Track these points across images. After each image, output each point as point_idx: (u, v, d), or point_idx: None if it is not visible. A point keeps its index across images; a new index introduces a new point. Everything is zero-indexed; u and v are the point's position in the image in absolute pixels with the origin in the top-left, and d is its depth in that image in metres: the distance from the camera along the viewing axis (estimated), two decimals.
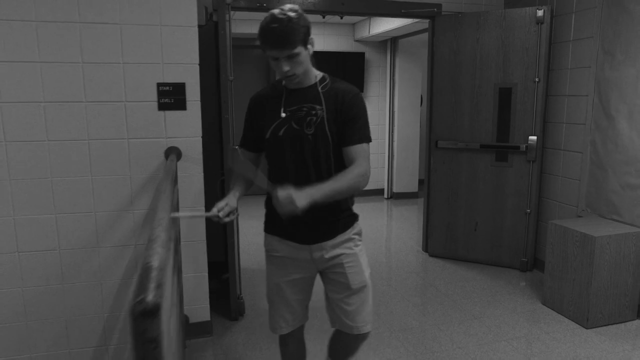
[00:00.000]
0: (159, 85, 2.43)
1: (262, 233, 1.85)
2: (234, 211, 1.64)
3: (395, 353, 2.62)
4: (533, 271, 3.86)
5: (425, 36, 5.58)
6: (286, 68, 1.57)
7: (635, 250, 2.92)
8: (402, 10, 3.82)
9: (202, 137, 2.57)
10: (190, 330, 2.76)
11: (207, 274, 2.74)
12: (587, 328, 2.89)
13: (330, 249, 1.73)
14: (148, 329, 0.60)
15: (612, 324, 2.93)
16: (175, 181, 2.40)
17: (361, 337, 1.84)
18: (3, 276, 2.37)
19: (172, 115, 2.49)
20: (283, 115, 1.67)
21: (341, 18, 5.57)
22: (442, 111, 4.02)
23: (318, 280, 1.85)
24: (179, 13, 2.40)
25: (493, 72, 3.77)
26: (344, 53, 6.38)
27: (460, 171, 4.01)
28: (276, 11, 1.53)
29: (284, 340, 1.95)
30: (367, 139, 1.67)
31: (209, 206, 1.75)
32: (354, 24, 6.45)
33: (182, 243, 2.61)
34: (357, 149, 1.63)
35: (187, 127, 2.52)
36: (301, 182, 1.57)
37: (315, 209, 1.51)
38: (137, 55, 2.38)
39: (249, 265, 3.96)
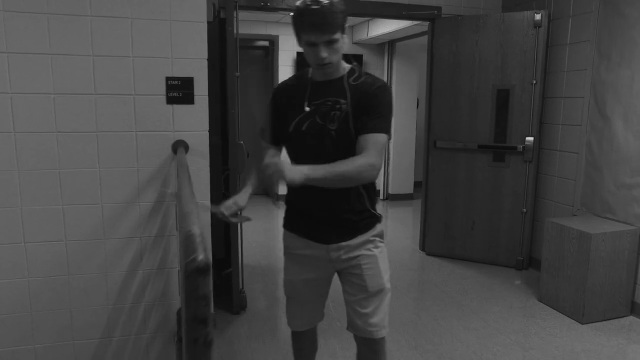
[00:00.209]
0: (167, 79, 2.46)
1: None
2: (240, 211, 1.58)
3: (396, 345, 2.67)
4: (529, 269, 3.93)
5: (422, 40, 5.66)
6: (324, 54, 1.47)
7: (629, 248, 2.99)
8: (404, 12, 3.89)
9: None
10: None
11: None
12: (582, 323, 2.96)
13: (349, 250, 1.67)
14: (200, 285, 0.64)
15: (606, 320, 3.01)
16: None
17: (375, 343, 1.74)
18: (9, 266, 2.39)
19: (180, 109, 2.52)
20: (307, 109, 1.59)
21: None
22: (440, 112, 4.09)
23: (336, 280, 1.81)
24: (189, 8, 2.44)
25: (491, 74, 3.85)
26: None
27: (458, 171, 4.08)
28: None
29: (296, 337, 1.93)
30: (384, 131, 1.55)
31: (213, 200, 1.75)
32: (352, 26, 6.52)
33: None
34: (369, 138, 1.52)
35: (194, 121, 2.55)
36: None
37: (335, 207, 1.46)
38: (147, 49, 2.41)
39: (249, 262, 3.99)
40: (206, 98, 2.55)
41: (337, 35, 1.47)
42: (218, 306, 3.07)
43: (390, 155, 6.63)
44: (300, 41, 1.52)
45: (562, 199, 3.66)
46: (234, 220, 1.55)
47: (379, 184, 6.81)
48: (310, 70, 1.67)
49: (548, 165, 3.78)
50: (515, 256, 3.96)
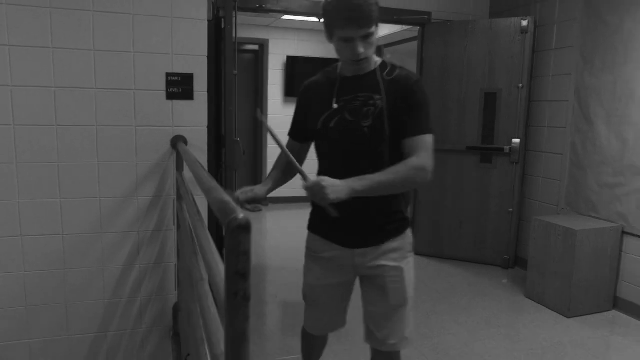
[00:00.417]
0: (168, 75, 2.50)
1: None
2: (259, 202, 1.53)
3: None
4: (515, 268, 4.03)
5: (410, 45, 5.77)
6: (361, 50, 1.42)
7: (612, 245, 3.11)
8: (395, 17, 3.99)
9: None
10: None
11: None
12: (568, 317, 3.06)
13: (375, 257, 1.57)
14: (242, 242, 0.68)
15: (591, 314, 3.11)
16: (181, 168, 2.47)
17: (389, 357, 1.65)
18: (5, 260, 2.38)
19: (180, 104, 2.55)
20: (335, 106, 1.52)
21: None
22: None
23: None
24: (190, 6, 2.48)
25: (479, 78, 3.96)
26: (327, 59, 6.52)
27: (447, 172, 4.18)
28: None
29: (309, 337, 1.81)
30: (429, 130, 1.48)
31: None
32: None
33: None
34: (416, 141, 1.45)
35: (193, 117, 2.58)
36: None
37: (362, 207, 1.41)
38: (148, 45, 2.45)
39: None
40: (205, 94, 2.59)
41: (373, 29, 1.41)
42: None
43: None
44: (332, 37, 1.45)
45: (547, 198, 3.78)
46: (247, 207, 1.50)
47: None
48: (340, 65, 1.59)
49: (534, 166, 3.91)
50: (502, 255, 4.06)
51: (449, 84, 4.08)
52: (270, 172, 1.71)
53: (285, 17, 5.48)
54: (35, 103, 2.31)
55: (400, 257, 1.58)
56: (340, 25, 1.38)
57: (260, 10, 3.59)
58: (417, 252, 4.40)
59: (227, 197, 0.87)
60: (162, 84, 2.50)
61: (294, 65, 6.31)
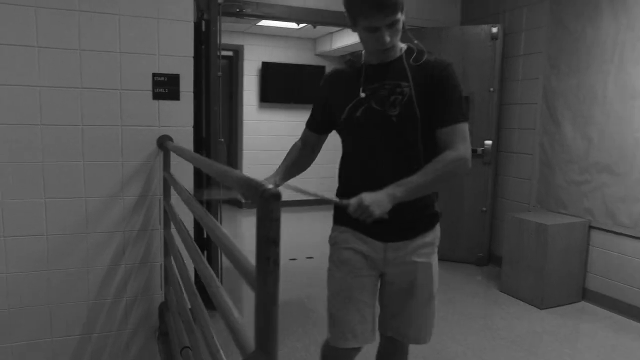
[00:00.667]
0: (154, 75, 2.52)
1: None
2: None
3: None
4: (489, 265, 4.18)
5: None
6: (388, 39, 1.36)
7: (581, 239, 3.29)
8: None
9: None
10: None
11: None
12: (541, 309, 3.21)
13: (407, 253, 1.53)
14: (274, 209, 0.74)
15: (562, 305, 3.27)
16: (168, 167, 2.49)
17: (402, 347, 1.66)
18: None
19: (166, 104, 2.57)
20: (362, 95, 1.46)
21: (314, 27, 5.79)
22: None
23: None
24: (176, 7, 2.51)
25: None
26: (304, 65, 6.61)
27: None
28: None
29: (336, 356, 1.60)
30: (463, 118, 1.43)
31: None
32: (315, 39, 6.72)
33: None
34: (451, 131, 1.40)
35: (179, 117, 2.60)
36: (382, 173, 1.42)
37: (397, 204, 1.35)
38: (134, 45, 2.46)
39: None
40: (191, 95, 2.62)
41: (399, 15, 1.35)
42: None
43: None
44: (356, 27, 1.39)
45: (519, 197, 3.95)
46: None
47: None
48: (364, 53, 1.54)
49: (506, 166, 4.08)
50: (476, 253, 4.21)
51: None
52: (280, 165, 1.66)
53: (261, 22, 5.53)
54: (19, 102, 2.29)
55: (430, 252, 1.57)
56: (365, 15, 1.33)
57: (241, 14, 3.64)
58: None
59: (246, 175, 0.93)
60: (149, 84, 2.52)
61: (268, 71, 6.36)
